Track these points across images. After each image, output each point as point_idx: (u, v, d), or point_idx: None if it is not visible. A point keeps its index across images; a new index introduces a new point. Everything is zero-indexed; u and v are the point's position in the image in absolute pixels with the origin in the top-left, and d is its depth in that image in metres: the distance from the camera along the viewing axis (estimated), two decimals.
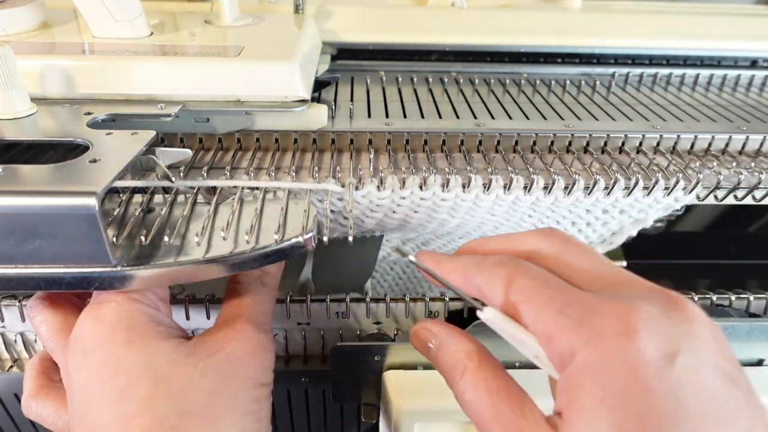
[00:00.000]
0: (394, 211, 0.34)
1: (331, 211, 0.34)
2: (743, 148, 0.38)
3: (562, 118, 0.40)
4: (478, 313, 0.23)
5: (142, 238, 0.26)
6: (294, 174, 0.33)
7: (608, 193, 0.33)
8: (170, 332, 0.27)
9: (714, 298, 0.39)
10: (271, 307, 0.30)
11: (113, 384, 0.24)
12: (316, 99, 0.42)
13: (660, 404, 0.18)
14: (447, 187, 0.32)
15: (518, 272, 0.22)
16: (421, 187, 0.33)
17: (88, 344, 0.25)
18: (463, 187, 0.33)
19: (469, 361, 0.23)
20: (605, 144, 0.38)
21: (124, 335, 0.25)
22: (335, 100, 0.42)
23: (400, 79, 0.47)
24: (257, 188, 0.31)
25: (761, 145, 0.38)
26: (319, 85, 0.44)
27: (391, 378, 0.35)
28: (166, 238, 0.26)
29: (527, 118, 0.40)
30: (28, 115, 0.30)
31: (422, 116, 0.40)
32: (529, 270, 0.23)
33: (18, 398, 0.39)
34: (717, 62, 0.51)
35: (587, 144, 0.38)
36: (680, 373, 0.18)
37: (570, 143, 0.37)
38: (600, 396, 0.19)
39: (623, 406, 0.18)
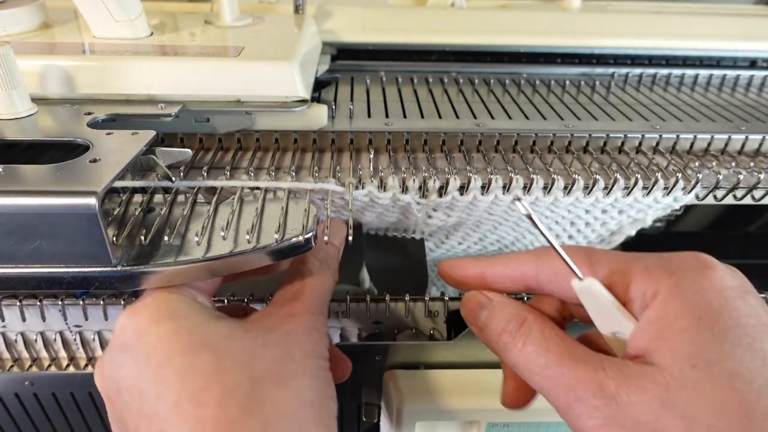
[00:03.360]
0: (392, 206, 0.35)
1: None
2: (742, 148, 0.38)
3: (562, 118, 0.40)
4: (575, 283, 0.24)
5: (142, 237, 0.26)
6: (294, 174, 0.33)
7: (608, 193, 0.33)
8: (219, 315, 0.25)
9: None
10: (331, 291, 0.29)
11: (171, 366, 0.22)
12: (316, 99, 0.42)
13: (744, 319, 0.21)
14: (446, 189, 0.32)
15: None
16: (420, 188, 0.33)
17: (129, 340, 0.23)
18: (462, 187, 0.33)
19: (529, 313, 0.25)
20: (605, 144, 0.38)
21: (169, 323, 0.23)
22: (335, 100, 0.42)
23: (399, 79, 0.48)
24: (257, 188, 0.31)
25: (760, 145, 0.38)
26: (319, 85, 0.44)
27: (392, 377, 0.35)
28: (166, 238, 0.26)
29: (527, 118, 0.40)
30: (29, 115, 0.30)
31: (422, 116, 0.40)
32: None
33: (19, 398, 0.39)
34: (716, 62, 0.52)
35: (587, 144, 0.38)
36: (754, 301, 0.22)
37: (569, 143, 0.38)
38: (697, 314, 0.21)
39: (716, 321, 0.21)
